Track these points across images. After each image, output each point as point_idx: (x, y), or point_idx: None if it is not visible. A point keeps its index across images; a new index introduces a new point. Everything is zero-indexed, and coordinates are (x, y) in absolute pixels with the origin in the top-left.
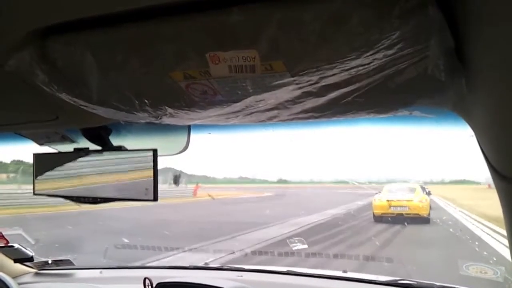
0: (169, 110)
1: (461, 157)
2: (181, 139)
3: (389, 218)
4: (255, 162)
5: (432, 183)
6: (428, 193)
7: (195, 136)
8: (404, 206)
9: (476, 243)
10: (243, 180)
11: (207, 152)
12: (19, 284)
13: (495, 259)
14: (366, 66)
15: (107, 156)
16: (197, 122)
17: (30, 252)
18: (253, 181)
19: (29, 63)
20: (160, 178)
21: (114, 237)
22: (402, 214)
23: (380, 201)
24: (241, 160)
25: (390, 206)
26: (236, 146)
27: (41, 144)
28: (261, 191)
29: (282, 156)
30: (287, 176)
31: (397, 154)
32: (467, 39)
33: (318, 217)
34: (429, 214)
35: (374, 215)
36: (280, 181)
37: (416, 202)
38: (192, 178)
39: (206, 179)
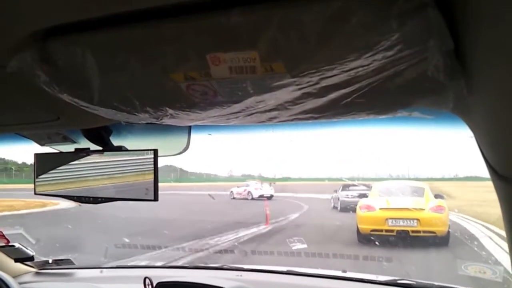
0: (170, 111)
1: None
2: (181, 139)
3: (386, 239)
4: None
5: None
6: (440, 197)
7: (195, 136)
8: (410, 219)
9: None
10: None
11: (206, 151)
12: (20, 283)
13: None
14: (366, 67)
15: (108, 156)
16: (197, 123)
17: (30, 252)
18: (237, 178)
19: (30, 64)
20: None
21: None
22: (406, 232)
23: (370, 211)
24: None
25: (386, 219)
26: (226, 146)
27: (42, 144)
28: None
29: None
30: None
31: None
32: (466, 40)
33: None
34: (448, 232)
35: (359, 233)
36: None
37: (429, 212)
38: (191, 176)
39: (200, 177)
